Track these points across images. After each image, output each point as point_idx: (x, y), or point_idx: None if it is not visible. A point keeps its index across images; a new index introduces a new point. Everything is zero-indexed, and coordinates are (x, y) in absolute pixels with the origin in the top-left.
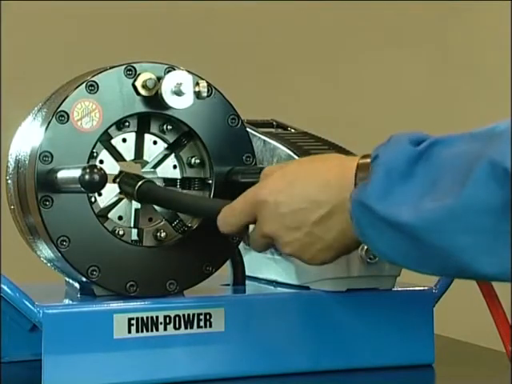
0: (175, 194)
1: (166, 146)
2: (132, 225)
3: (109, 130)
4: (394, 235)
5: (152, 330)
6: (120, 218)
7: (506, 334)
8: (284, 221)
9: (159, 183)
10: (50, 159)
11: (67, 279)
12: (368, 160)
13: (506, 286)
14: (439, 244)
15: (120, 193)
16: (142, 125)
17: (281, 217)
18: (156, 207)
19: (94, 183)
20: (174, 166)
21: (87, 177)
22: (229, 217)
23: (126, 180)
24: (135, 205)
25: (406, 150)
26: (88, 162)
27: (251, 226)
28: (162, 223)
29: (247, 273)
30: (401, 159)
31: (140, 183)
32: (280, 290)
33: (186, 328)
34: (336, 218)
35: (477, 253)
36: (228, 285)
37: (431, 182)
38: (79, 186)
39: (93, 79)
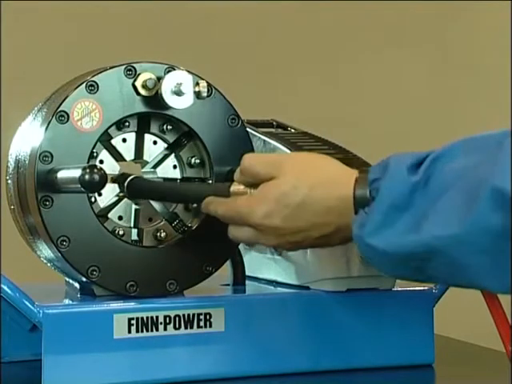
0: (160, 184)
1: (165, 146)
2: (132, 225)
3: (109, 130)
4: (400, 264)
5: (152, 330)
6: (120, 217)
7: (506, 334)
8: (285, 238)
9: None
10: (50, 159)
11: (67, 279)
12: (365, 175)
13: None
14: (445, 266)
15: (120, 192)
16: (142, 125)
17: (281, 236)
18: (156, 207)
19: (94, 183)
20: (174, 166)
21: (87, 177)
22: (227, 221)
23: (120, 179)
24: (135, 205)
25: (405, 181)
26: (88, 162)
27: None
28: (162, 223)
29: (247, 273)
30: (400, 193)
31: (129, 179)
32: (280, 290)
33: (185, 328)
34: (338, 235)
35: (480, 271)
36: (228, 285)
37: (430, 205)
38: (79, 185)
39: (93, 79)
